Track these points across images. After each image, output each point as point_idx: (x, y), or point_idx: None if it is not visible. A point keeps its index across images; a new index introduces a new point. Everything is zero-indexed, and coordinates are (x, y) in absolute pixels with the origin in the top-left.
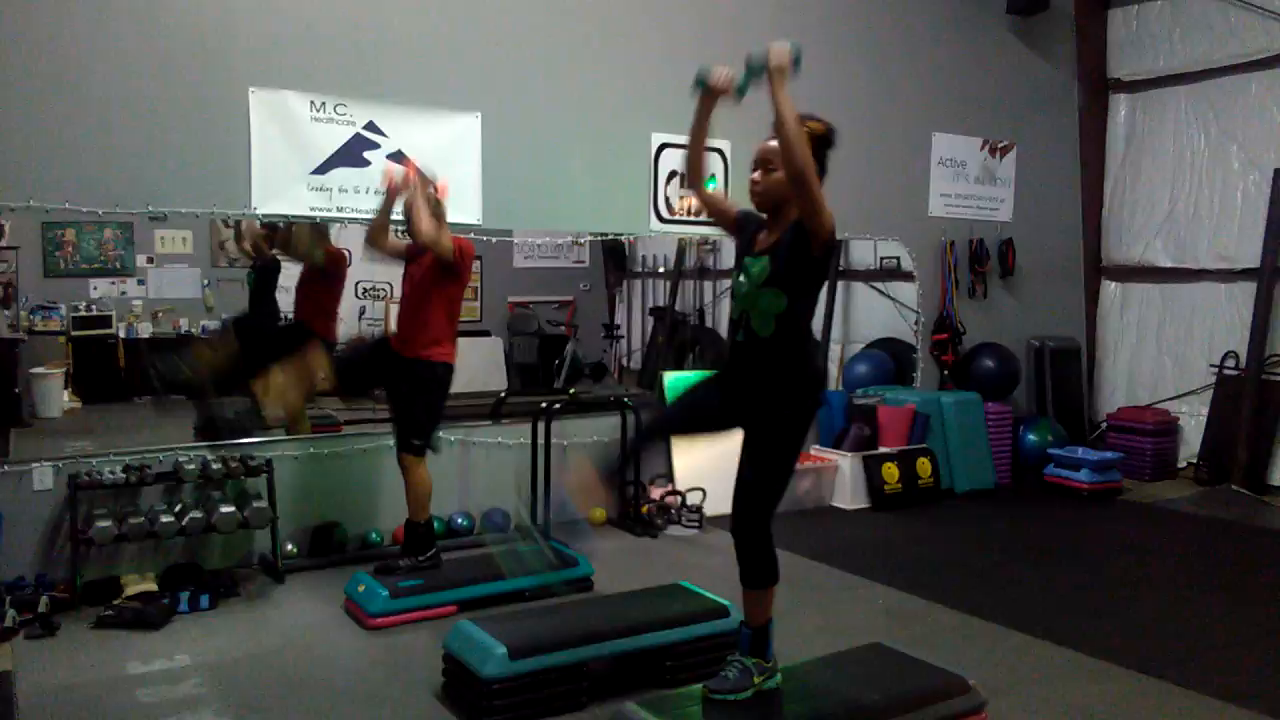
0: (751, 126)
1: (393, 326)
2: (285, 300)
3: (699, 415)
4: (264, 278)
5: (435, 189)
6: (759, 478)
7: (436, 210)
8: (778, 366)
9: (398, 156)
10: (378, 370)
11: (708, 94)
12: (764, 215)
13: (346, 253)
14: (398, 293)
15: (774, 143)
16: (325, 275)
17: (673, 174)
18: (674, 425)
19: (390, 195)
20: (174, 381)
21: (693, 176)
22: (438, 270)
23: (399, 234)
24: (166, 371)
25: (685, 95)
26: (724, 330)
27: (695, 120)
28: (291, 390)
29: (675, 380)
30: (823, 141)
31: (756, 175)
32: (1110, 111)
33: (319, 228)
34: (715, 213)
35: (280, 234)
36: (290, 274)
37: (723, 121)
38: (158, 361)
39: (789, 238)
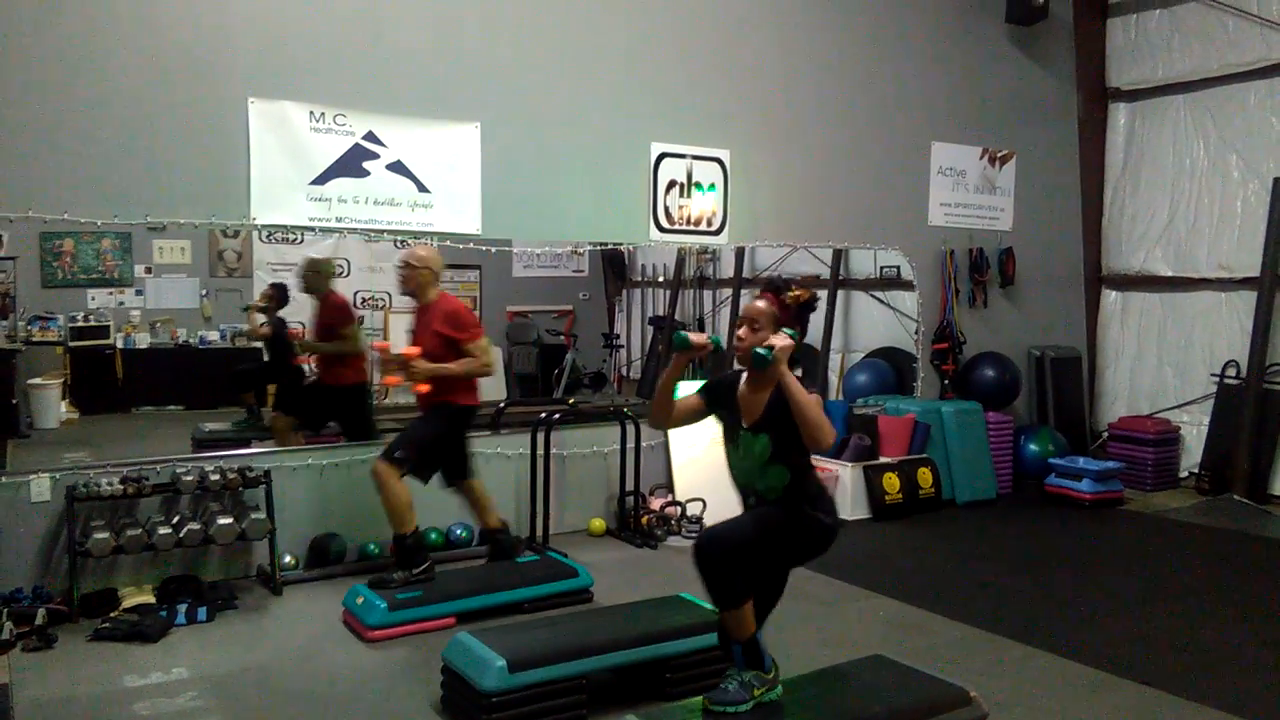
0: (750, 134)
1: (393, 347)
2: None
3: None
4: (279, 340)
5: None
6: (749, 523)
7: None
8: (794, 513)
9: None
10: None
11: (687, 352)
12: (740, 370)
13: (341, 263)
14: (396, 302)
15: (762, 304)
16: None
17: (672, 183)
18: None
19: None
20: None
21: (660, 418)
22: (444, 342)
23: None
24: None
25: (684, 105)
26: (723, 337)
27: (668, 372)
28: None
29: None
30: (805, 308)
31: (742, 332)
32: (1110, 121)
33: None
34: (687, 416)
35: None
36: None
37: (723, 130)
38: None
39: (780, 408)
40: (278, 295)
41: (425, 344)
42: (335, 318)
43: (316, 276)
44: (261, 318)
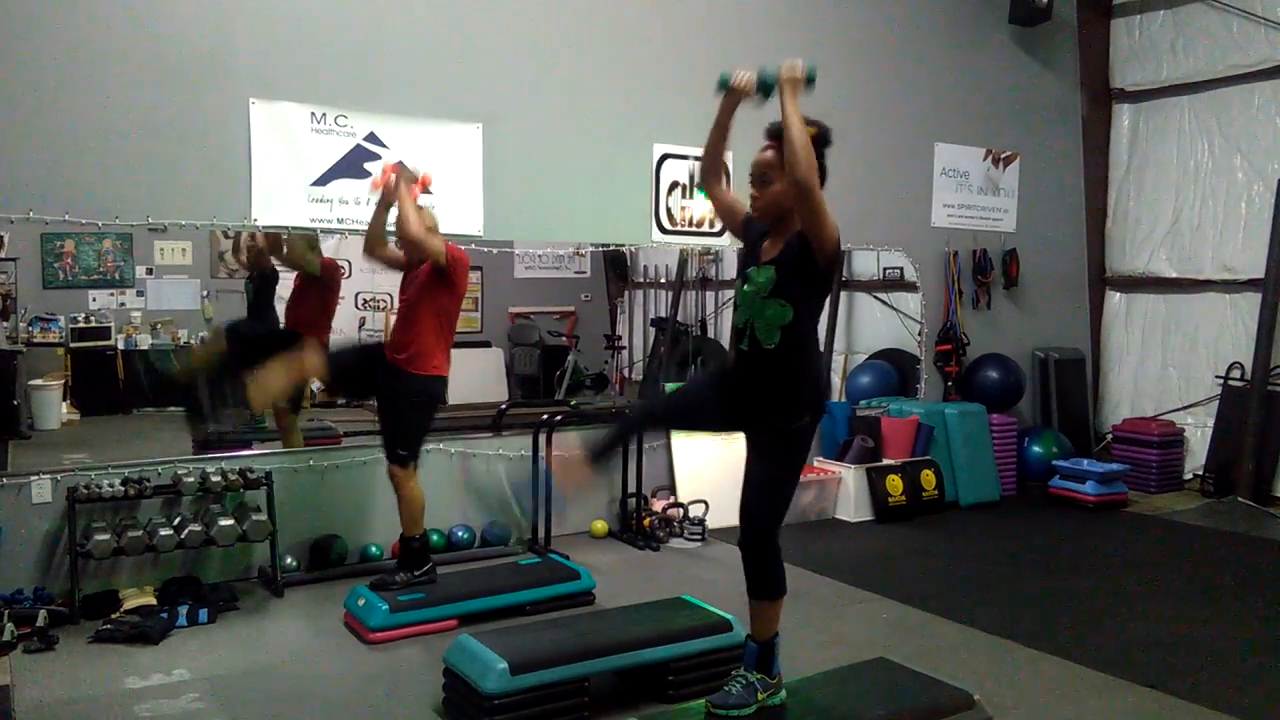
0: (754, 136)
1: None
2: (281, 308)
3: (694, 410)
4: (262, 288)
5: (419, 182)
6: (765, 491)
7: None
8: (781, 377)
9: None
10: (370, 376)
11: (730, 94)
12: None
13: (344, 264)
14: (398, 303)
15: (769, 153)
16: (320, 285)
17: (674, 184)
18: (668, 416)
19: (383, 200)
20: (166, 380)
21: (708, 171)
22: (432, 280)
23: (396, 246)
24: (160, 373)
25: (686, 106)
26: (726, 340)
27: (717, 117)
28: (281, 376)
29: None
30: (820, 141)
31: (754, 191)
32: (1113, 122)
33: (311, 237)
34: (724, 211)
35: (273, 241)
36: (287, 284)
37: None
38: (153, 365)
39: (794, 248)
40: (272, 241)
41: (416, 281)
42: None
43: (300, 248)
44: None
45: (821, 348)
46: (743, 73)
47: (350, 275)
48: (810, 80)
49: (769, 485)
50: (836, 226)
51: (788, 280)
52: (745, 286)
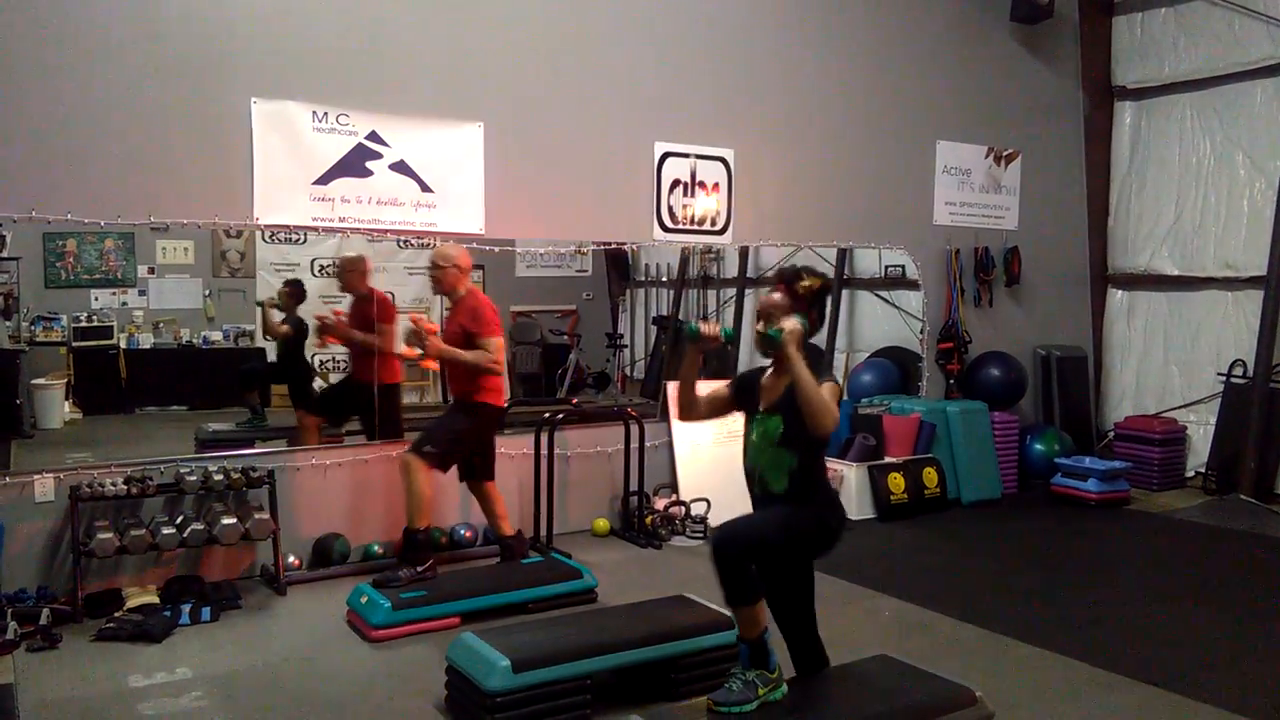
0: (754, 134)
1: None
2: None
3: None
4: (293, 339)
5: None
6: (763, 523)
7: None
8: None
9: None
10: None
11: (698, 343)
12: (765, 366)
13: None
14: (399, 305)
15: (776, 295)
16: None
17: (676, 183)
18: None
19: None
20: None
21: (685, 411)
22: (465, 335)
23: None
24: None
25: (688, 104)
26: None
27: (685, 366)
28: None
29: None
30: (819, 296)
31: (760, 327)
32: (1115, 119)
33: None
34: (715, 410)
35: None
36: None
37: (726, 130)
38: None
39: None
40: (295, 292)
41: (449, 336)
42: (380, 311)
43: (355, 275)
44: (280, 315)
45: (823, 346)
46: (709, 326)
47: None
48: (728, 339)
49: (769, 519)
50: (837, 419)
51: (794, 428)
52: (753, 434)
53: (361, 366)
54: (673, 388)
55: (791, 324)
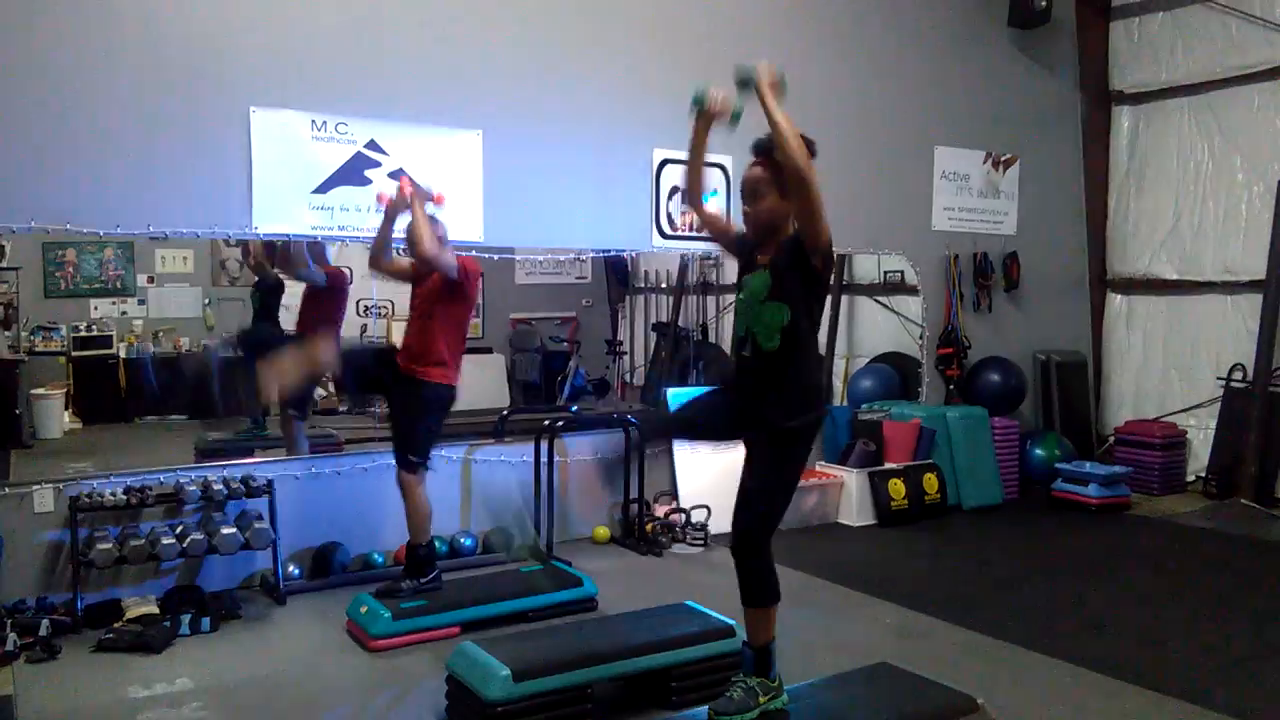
0: (753, 140)
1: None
2: (286, 318)
3: (701, 422)
4: (267, 297)
5: (433, 200)
6: (758, 498)
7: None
8: (782, 377)
9: (397, 174)
10: (381, 379)
11: (704, 115)
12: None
13: (348, 270)
14: (399, 310)
15: (757, 169)
16: (328, 292)
17: (674, 190)
18: (676, 428)
19: (389, 214)
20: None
21: (693, 194)
22: (444, 290)
23: (400, 253)
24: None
25: (686, 111)
26: (727, 345)
27: (693, 140)
28: (294, 365)
29: (678, 395)
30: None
31: (746, 207)
32: (1113, 124)
33: (316, 245)
34: (715, 231)
35: (280, 252)
36: (293, 292)
37: (724, 137)
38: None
39: (787, 251)
40: (273, 255)
41: (426, 289)
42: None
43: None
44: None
45: (822, 351)
46: (717, 91)
47: (352, 282)
48: (735, 117)
49: (763, 493)
50: (829, 226)
51: (783, 281)
52: (742, 294)
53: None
54: (682, 169)
55: (768, 66)
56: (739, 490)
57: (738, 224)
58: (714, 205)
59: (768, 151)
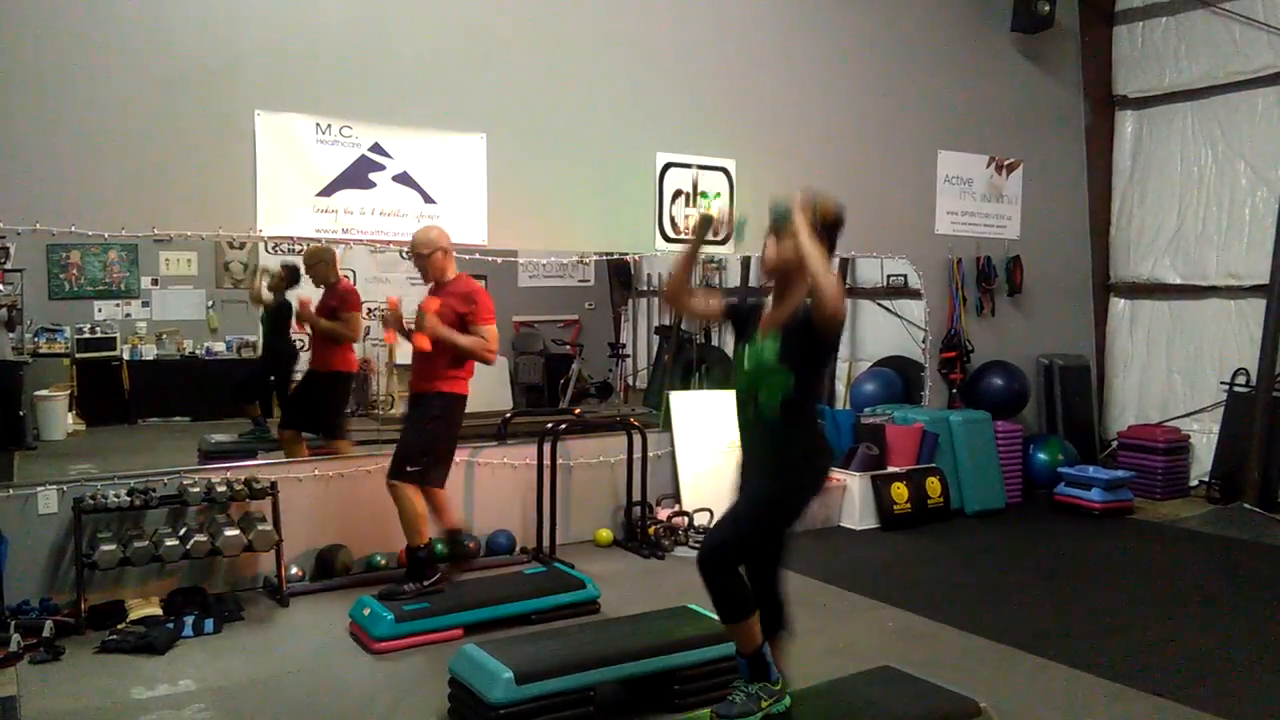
0: (756, 143)
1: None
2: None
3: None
4: (277, 318)
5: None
6: (740, 519)
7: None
8: (784, 445)
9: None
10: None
11: (706, 229)
12: (766, 285)
13: (348, 273)
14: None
15: (798, 213)
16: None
17: (678, 193)
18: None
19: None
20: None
21: (675, 289)
22: (459, 319)
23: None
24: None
25: (690, 115)
26: (729, 348)
27: (690, 249)
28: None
29: (680, 399)
30: (836, 223)
31: (771, 238)
32: (1116, 128)
33: (328, 253)
34: (706, 314)
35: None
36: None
37: (728, 140)
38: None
39: (800, 322)
40: (288, 275)
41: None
42: (342, 301)
43: (323, 266)
44: (266, 284)
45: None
46: (723, 217)
47: (354, 285)
48: (740, 230)
49: (743, 519)
50: (844, 308)
51: (792, 350)
52: (747, 359)
53: (319, 355)
54: (682, 400)
55: (801, 198)
56: (726, 511)
57: (717, 296)
58: (697, 294)
59: (810, 204)
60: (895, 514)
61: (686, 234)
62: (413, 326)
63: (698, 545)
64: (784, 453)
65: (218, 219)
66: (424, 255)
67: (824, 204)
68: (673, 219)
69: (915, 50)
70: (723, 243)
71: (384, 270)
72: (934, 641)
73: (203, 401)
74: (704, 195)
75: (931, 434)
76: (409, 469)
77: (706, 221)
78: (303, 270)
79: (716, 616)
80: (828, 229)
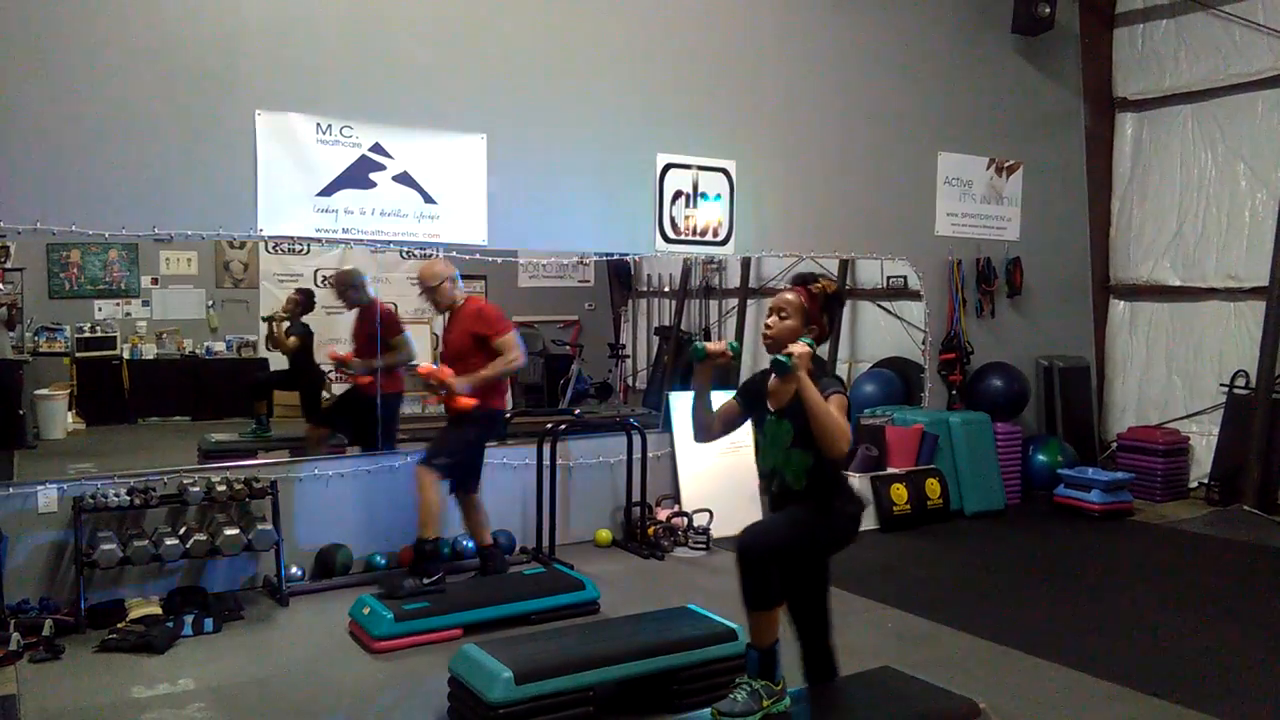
0: (756, 145)
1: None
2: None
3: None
4: (302, 347)
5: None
6: (785, 527)
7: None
8: (815, 506)
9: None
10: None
11: (704, 362)
12: (767, 370)
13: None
14: (403, 310)
15: (790, 295)
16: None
17: (678, 194)
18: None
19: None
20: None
21: (701, 431)
22: (475, 340)
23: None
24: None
25: (690, 115)
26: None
27: (697, 381)
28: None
29: (681, 399)
30: (833, 300)
31: (771, 321)
32: (1117, 130)
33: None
34: (730, 423)
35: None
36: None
37: (728, 142)
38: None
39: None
40: (303, 301)
41: (457, 343)
42: (388, 328)
43: (354, 290)
44: (287, 325)
45: (825, 356)
46: (715, 344)
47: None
48: (736, 354)
49: (787, 527)
50: (850, 437)
51: (805, 430)
52: (766, 439)
53: (373, 380)
54: (681, 401)
55: (801, 349)
56: (766, 515)
57: (727, 403)
58: (717, 417)
59: (805, 282)
60: (895, 515)
61: (687, 235)
62: (443, 391)
63: (698, 546)
64: (817, 508)
65: (218, 218)
66: (433, 287)
67: (824, 285)
68: (673, 220)
69: (916, 52)
70: (723, 243)
71: (384, 270)
72: (933, 642)
73: (203, 401)
74: (697, 349)
75: (931, 435)
76: (438, 461)
77: (700, 356)
78: (335, 294)
79: (742, 602)
80: (828, 307)
